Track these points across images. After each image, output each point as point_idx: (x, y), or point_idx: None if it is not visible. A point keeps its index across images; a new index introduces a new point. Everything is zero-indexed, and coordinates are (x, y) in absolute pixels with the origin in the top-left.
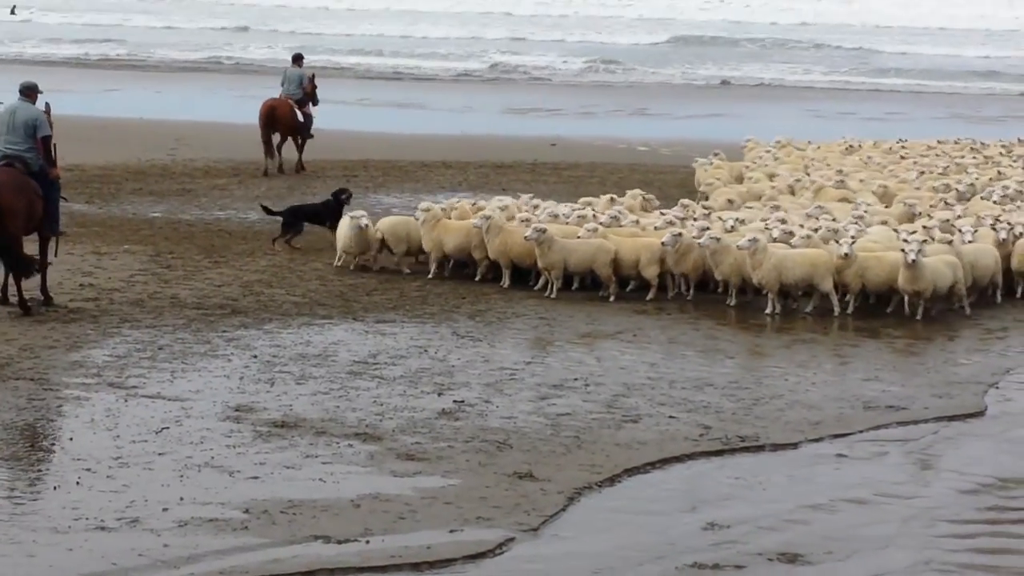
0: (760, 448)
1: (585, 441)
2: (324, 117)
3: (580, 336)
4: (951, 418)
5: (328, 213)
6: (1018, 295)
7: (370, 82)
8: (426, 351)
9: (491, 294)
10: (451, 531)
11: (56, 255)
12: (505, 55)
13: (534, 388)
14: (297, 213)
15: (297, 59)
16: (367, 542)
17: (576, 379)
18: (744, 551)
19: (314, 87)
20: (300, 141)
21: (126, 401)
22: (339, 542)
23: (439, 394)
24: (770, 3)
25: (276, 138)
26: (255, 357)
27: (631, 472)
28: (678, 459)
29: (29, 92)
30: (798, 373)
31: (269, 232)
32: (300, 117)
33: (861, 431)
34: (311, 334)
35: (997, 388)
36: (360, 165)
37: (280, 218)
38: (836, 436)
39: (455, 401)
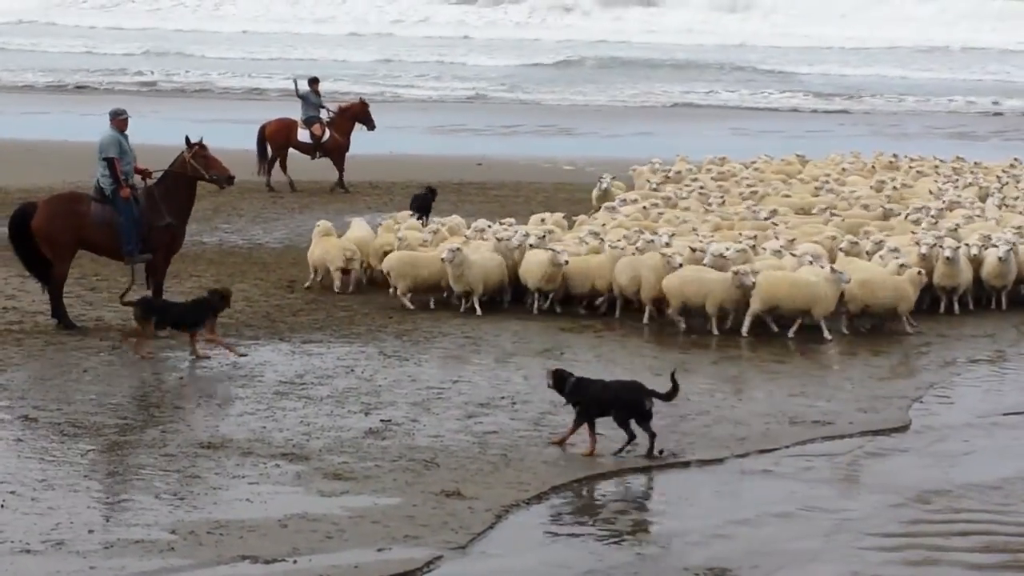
0: (687, 464)
1: (512, 459)
2: (248, 138)
3: (506, 354)
4: (876, 432)
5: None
6: (992, 306)
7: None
8: (353, 371)
9: (418, 313)
10: (379, 550)
11: (134, 281)
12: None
13: (461, 407)
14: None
15: (313, 83)
16: (295, 562)
17: (503, 397)
18: (671, 566)
19: (365, 111)
20: (336, 163)
21: (51, 425)
22: (266, 562)
23: (366, 413)
24: (693, 26)
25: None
26: (181, 379)
27: (558, 489)
28: (605, 476)
29: (114, 118)
30: (724, 389)
31: (193, 253)
32: (306, 137)
33: (787, 446)
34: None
35: (921, 402)
36: (286, 186)
37: None
38: (762, 451)
39: (382, 420)
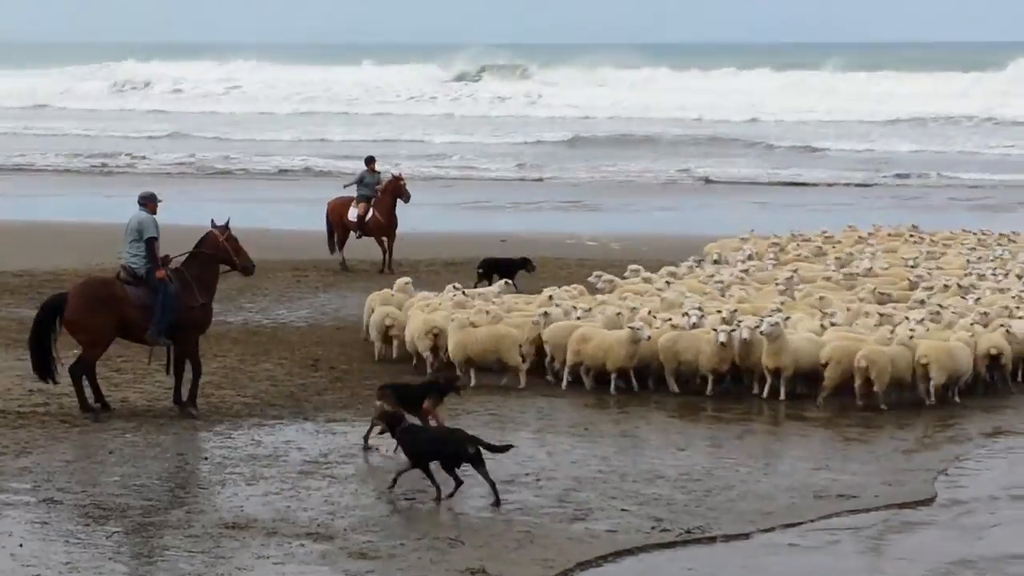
0: (712, 539)
1: (537, 536)
2: (274, 216)
3: (532, 431)
4: (901, 505)
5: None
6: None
7: (315, 179)
8: (377, 449)
9: None
10: None
11: (172, 369)
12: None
13: (485, 485)
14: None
15: (369, 162)
16: None
17: (527, 474)
18: None
19: (398, 185)
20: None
21: (75, 507)
22: None
23: (389, 490)
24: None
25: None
26: (206, 459)
27: (584, 566)
28: (631, 552)
29: (146, 202)
30: (749, 464)
31: (217, 333)
32: (353, 216)
33: (812, 520)
34: (261, 434)
35: (947, 475)
36: (310, 265)
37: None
38: (788, 526)
39: (407, 499)
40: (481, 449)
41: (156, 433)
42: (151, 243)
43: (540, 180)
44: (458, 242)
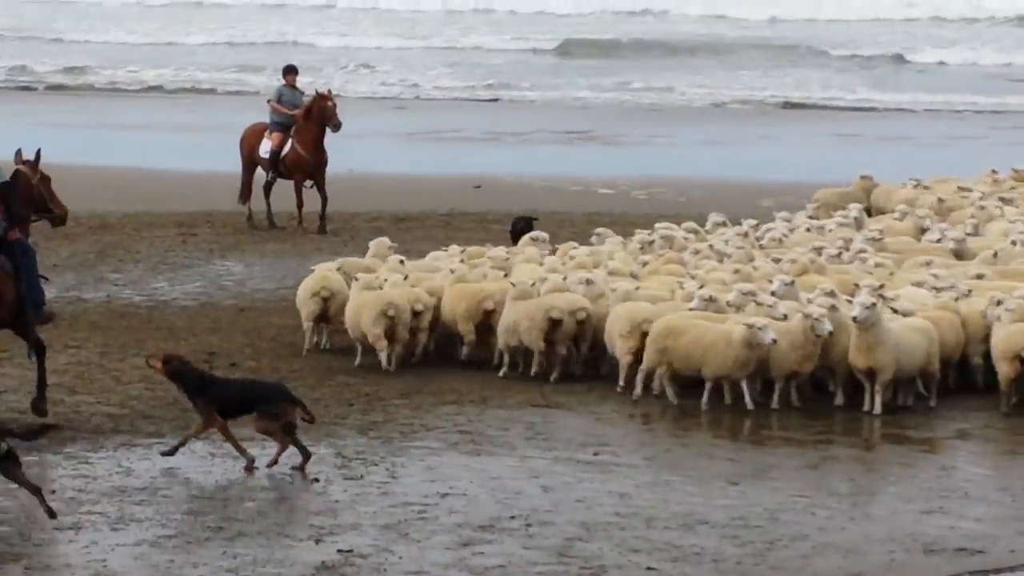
0: None
1: None
2: (149, 151)
3: (518, 456)
4: None
5: None
6: None
7: (209, 98)
8: (297, 481)
9: (389, 399)
10: None
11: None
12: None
13: (453, 531)
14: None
15: (288, 73)
16: None
17: (513, 517)
18: None
19: (325, 107)
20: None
21: None
22: None
23: (317, 541)
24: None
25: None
26: (53, 493)
27: None
28: None
29: None
30: (829, 504)
31: (70, 314)
32: (265, 150)
33: None
34: (132, 459)
35: None
36: (202, 219)
37: None
38: None
39: (340, 551)
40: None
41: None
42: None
43: (532, 102)
44: (412, 188)
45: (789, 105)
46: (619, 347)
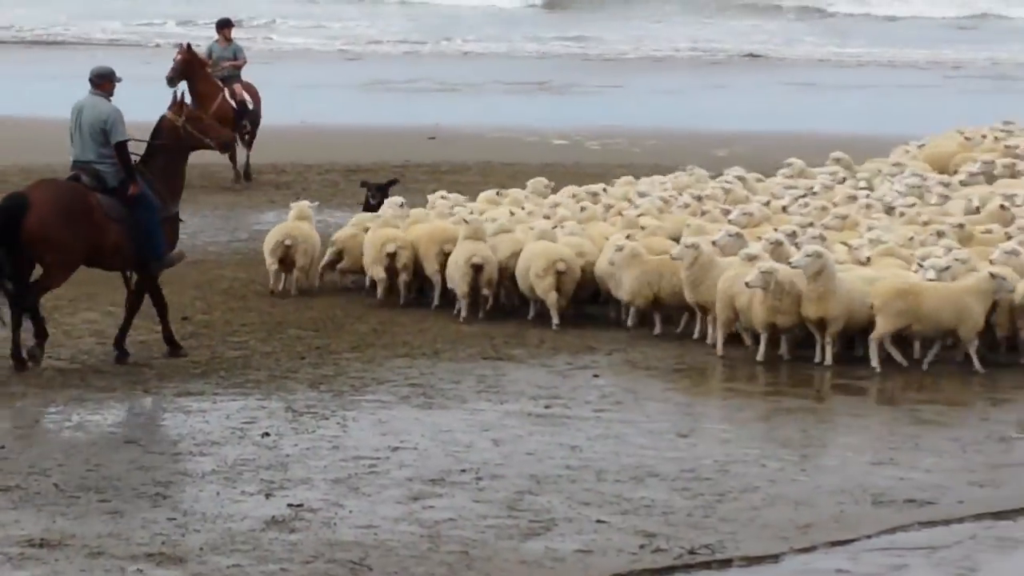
0: (727, 563)
1: (477, 559)
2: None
3: (469, 409)
4: (996, 515)
5: None
6: None
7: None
8: (247, 435)
9: (341, 352)
10: None
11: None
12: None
13: (403, 484)
14: None
15: (223, 27)
16: None
17: (464, 470)
18: None
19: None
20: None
21: None
22: None
23: (267, 496)
24: None
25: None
26: (1, 448)
27: None
28: None
29: (101, 82)
30: (780, 456)
31: None
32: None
33: (870, 536)
34: (84, 415)
35: None
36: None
37: None
38: (835, 544)
39: (290, 505)
40: None
41: None
42: (122, 148)
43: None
44: (365, 139)
45: (745, 56)
46: (537, 285)
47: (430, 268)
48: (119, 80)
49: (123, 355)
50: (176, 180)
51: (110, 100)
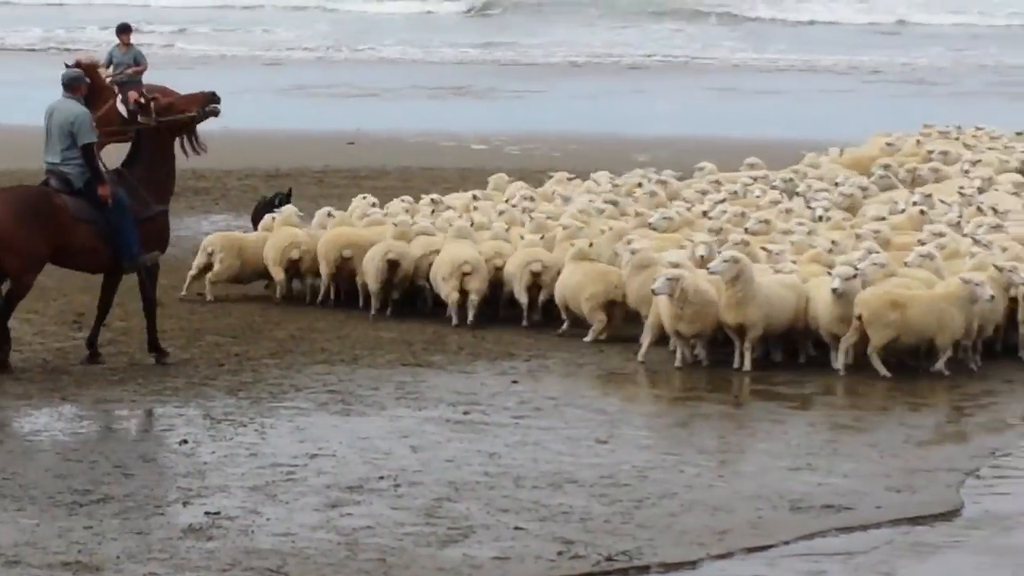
0: (644, 570)
1: (395, 566)
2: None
3: (388, 415)
4: (913, 520)
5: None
6: None
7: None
8: (165, 442)
9: (259, 359)
10: None
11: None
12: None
13: (321, 492)
14: None
15: (122, 32)
16: None
17: (382, 477)
18: None
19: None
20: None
21: None
22: None
23: (184, 504)
24: None
25: None
26: None
27: None
28: None
29: (74, 85)
30: (698, 462)
31: None
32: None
33: (787, 542)
34: None
35: (978, 478)
36: None
37: None
38: (752, 550)
39: (208, 513)
40: None
41: None
42: (89, 150)
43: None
44: (284, 144)
45: (662, 61)
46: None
47: (325, 271)
48: (88, 82)
49: (161, 355)
50: (162, 180)
51: (81, 103)
